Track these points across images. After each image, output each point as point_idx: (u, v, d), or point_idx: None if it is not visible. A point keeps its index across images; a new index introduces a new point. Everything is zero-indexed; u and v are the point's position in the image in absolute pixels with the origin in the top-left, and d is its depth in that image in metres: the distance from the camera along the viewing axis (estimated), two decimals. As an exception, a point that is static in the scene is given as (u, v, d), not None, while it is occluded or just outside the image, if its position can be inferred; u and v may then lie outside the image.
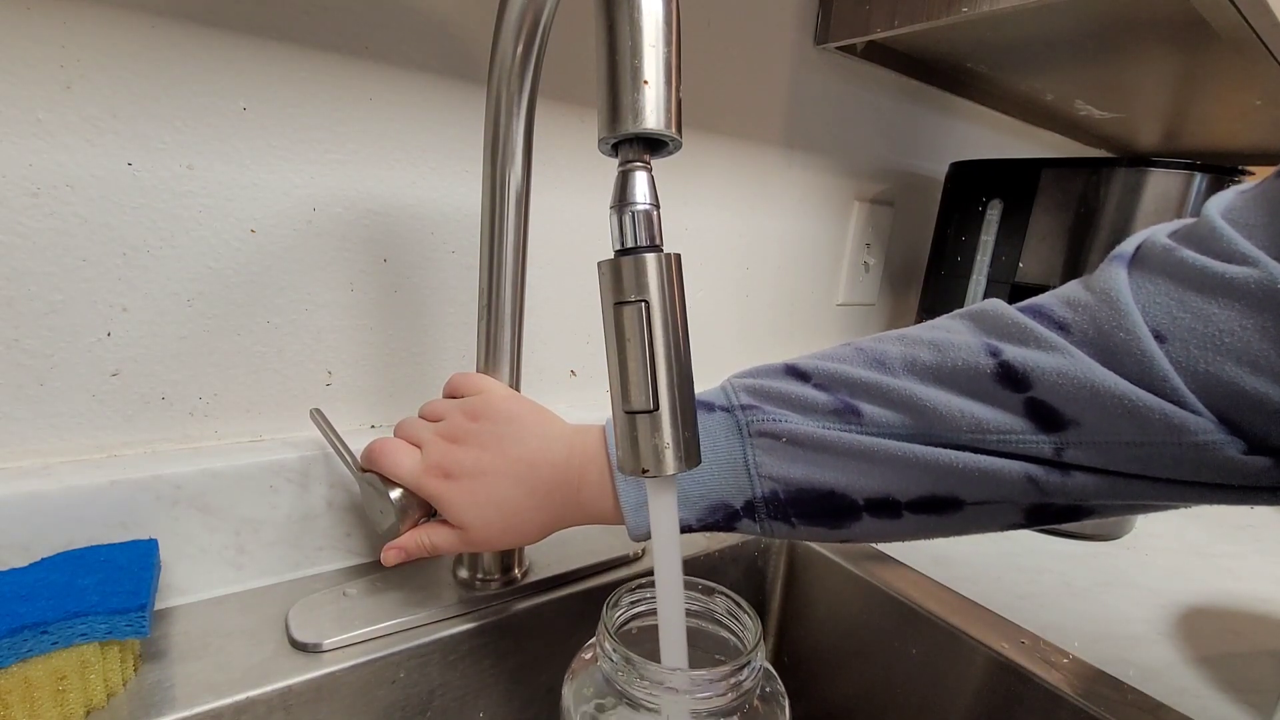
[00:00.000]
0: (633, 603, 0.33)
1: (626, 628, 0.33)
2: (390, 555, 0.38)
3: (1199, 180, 0.56)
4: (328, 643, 0.38)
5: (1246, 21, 0.51)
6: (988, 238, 0.67)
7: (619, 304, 0.24)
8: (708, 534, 0.55)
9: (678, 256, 0.25)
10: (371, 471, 0.39)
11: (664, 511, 0.28)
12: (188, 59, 0.37)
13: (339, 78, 0.42)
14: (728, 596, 0.34)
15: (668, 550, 0.28)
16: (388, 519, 0.38)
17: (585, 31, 0.52)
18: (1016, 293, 0.64)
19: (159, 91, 0.37)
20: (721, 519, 0.34)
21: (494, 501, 0.36)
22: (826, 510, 0.32)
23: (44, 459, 0.37)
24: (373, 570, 0.46)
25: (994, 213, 0.66)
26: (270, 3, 0.39)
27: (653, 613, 0.34)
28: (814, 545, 0.55)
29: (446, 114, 0.47)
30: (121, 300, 0.38)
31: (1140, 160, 0.57)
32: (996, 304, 0.32)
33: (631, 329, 0.24)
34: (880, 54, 0.72)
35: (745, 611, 0.32)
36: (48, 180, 0.35)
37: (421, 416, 0.41)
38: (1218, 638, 0.47)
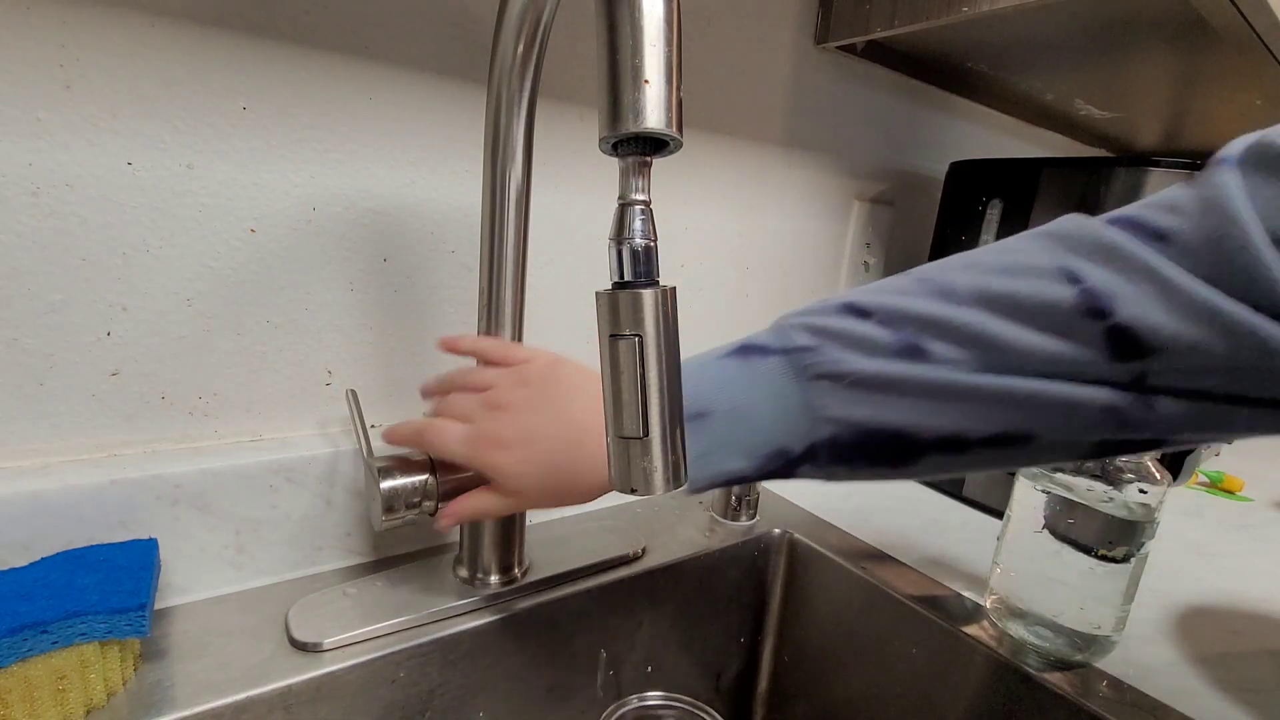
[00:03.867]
0: None
1: None
2: (445, 522, 0.38)
3: (1199, 180, 0.56)
4: (328, 642, 0.38)
5: (1247, 21, 0.51)
6: (988, 237, 0.67)
7: (614, 336, 0.25)
8: (707, 534, 0.55)
9: (673, 290, 0.25)
10: (374, 460, 0.39)
11: None
12: (188, 59, 0.37)
13: (339, 78, 0.42)
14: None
15: None
16: (376, 508, 0.38)
17: (585, 31, 0.52)
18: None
19: (159, 91, 0.37)
20: (780, 466, 0.33)
21: (548, 467, 0.36)
22: (891, 451, 0.31)
23: (44, 459, 0.37)
24: (373, 569, 0.46)
25: (994, 213, 0.66)
26: (270, 2, 0.39)
27: None
28: (814, 545, 0.55)
29: (446, 114, 0.47)
30: (121, 300, 0.38)
31: (1140, 160, 0.57)
32: (1079, 219, 0.29)
33: (625, 362, 0.25)
34: (880, 54, 0.72)
35: None
36: (47, 180, 0.35)
37: (463, 386, 0.40)
38: (1218, 637, 0.47)
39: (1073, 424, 0.28)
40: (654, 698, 0.35)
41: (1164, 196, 0.28)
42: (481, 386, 0.39)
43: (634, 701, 0.35)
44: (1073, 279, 0.28)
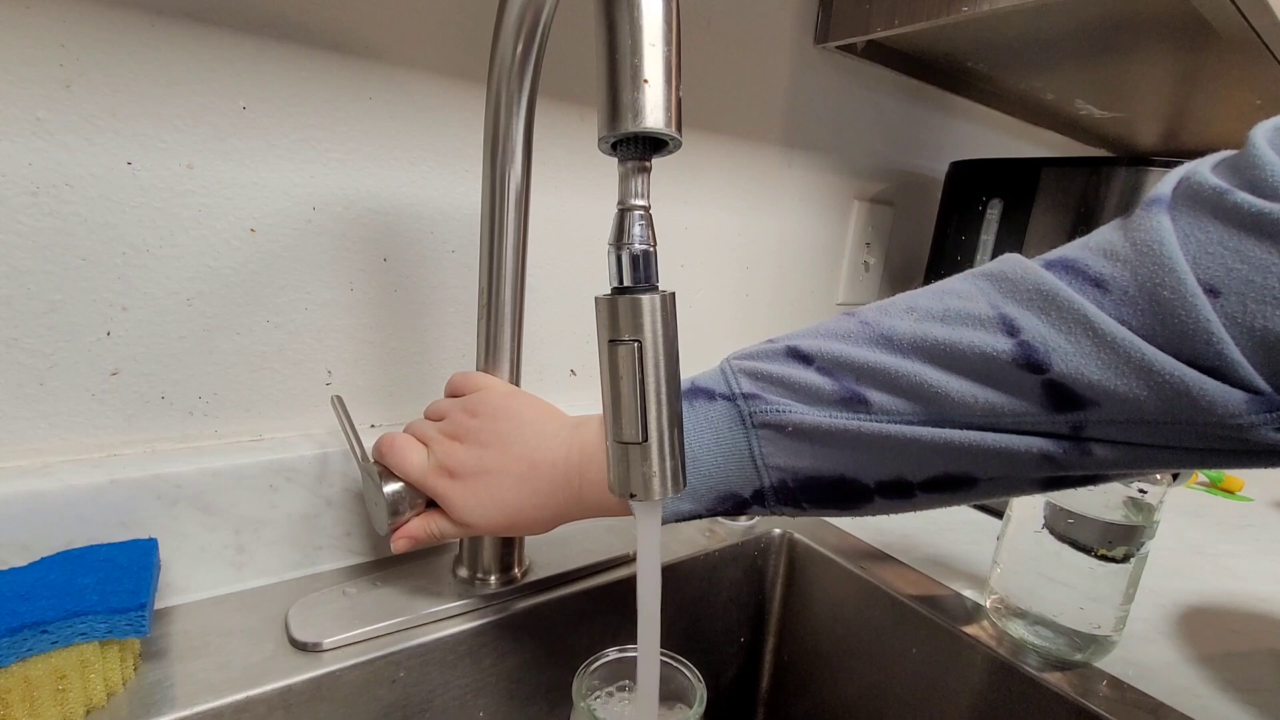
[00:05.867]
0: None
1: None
2: (400, 544, 0.38)
3: (1199, 180, 0.56)
4: (327, 642, 0.38)
5: (1247, 21, 0.51)
6: (988, 237, 0.67)
7: (613, 342, 0.25)
8: (707, 534, 0.55)
9: (672, 296, 0.25)
10: (374, 463, 0.39)
11: (649, 538, 0.28)
12: (187, 58, 0.37)
13: (339, 77, 0.42)
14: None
15: (649, 580, 0.28)
16: (380, 512, 0.38)
17: (585, 31, 0.52)
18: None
19: (159, 91, 0.37)
20: (731, 507, 0.34)
21: (497, 500, 0.36)
22: (838, 495, 0.32)
23: (44, 458, 0.37)
24: (373, 569, 0.46)
25: (994, 212, 0.66)
26: (270, 2, 0.39)
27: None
28: (814, 545, 0.55)
29: (446, 113, 0.47)
30: (121, 299, 0.38)
31: (1140, 160, 0.57)
32: (1018, 263, 0.29)
33: (625, 367, 0.25)
34: (880, 53, 0.72)
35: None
36: (47, 179, 0.35)
37: (426, 417, 0.41)
38: (1218, 637, 0.47)
39: (1013, 468, 0.29)
40: (631, 649, 0.35)
41: (1102, 239, 0.28)
42: (438, 416, 0.40)
43: (613, 653, 0.35)
44: (1011, 329, 0.28)
